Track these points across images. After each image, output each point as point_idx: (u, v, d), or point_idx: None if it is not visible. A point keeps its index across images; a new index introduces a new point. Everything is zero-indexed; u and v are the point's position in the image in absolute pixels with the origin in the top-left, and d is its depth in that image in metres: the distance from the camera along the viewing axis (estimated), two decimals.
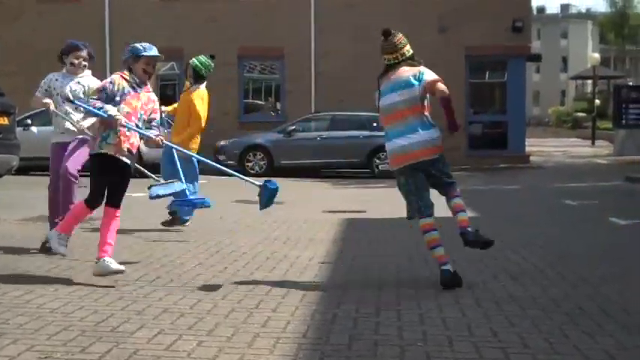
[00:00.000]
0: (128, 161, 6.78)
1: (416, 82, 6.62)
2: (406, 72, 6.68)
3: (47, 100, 8.28)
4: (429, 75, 6.66)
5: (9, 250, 8.14)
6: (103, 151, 6.68)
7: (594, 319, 5.52)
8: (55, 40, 26.29)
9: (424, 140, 6.66)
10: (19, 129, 13.43)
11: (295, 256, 8.10)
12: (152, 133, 6.99)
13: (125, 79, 6.99)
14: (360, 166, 21.93)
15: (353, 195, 15.89)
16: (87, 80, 8.66)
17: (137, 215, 11.03)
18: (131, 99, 6.88)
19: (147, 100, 7.07)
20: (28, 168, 18.45)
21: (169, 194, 8.52)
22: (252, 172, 21.51)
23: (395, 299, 6.11)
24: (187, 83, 10.50)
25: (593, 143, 38.48)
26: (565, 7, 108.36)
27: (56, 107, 8.26)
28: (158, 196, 8.31)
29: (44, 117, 20.71)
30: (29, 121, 20.00)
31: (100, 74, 25.05)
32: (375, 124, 21.45)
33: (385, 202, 13.92)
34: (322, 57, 26.32)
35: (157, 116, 7.20)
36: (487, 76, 28.19)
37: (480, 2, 26.01)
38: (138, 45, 7.35)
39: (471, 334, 5.10)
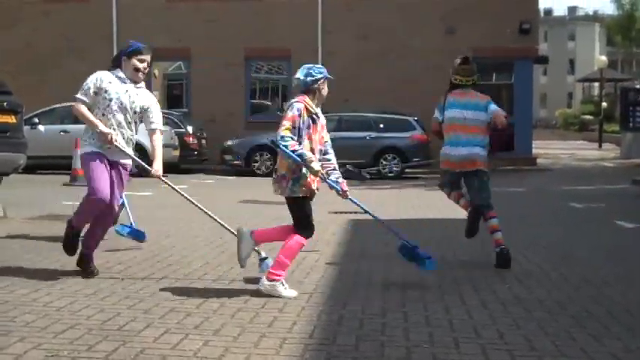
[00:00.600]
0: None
1: (484, 108, 7.91)
2: (476, 97, 7.90)
3: (108, 131, 6.67)
4: (494, 107, 7.98)
5: (16, 248, 8.16)
6: (300, 195, 6.31)
7: (601, 321, 5.51)
8: (61, 40, 26.58)
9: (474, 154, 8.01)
10: (26, 127, 13.44)
11: (301, 257, 8.09)
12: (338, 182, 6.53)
13: (307, 108, 6.20)
14: (367, 166, 21.91)
15: (359, 196, 15.82)
16: (143, 94, 6.96)
17: (142, 215, 11.04)
18: (312, 132, 6.25)
19: (321, 128, 6.37)
20: (35, 166, 18.51)
21: None
22: (258, 172, 21.53)
23: (401, 300, 6.11)
24: None
25: (600, 146, 38.41)
26: (572, 10, 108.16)
27: (107, 116, 6.77)
28: None
29: (51, 116, 20.81)
30: (36, 120, 20.04)
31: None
32: (381, 126, 21.47)
33: (391, 203, 13.92)
34: (328, 57, 26.30)
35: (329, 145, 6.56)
36: (494, 78, 28.12)
37: (487, 4, 25.99)
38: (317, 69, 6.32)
39: (478, 335, 5.10)
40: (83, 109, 6.75)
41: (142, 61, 6.82)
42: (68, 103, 21.40)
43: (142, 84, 6.96)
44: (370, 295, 6.26)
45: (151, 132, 7.02)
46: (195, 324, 5.22)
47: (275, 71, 27.89)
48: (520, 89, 26.66)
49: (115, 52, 26.47)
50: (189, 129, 22.25)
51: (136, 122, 6.96)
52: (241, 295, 6.14)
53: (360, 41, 25.95)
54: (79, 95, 6.81)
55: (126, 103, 6.80)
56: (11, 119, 11.32)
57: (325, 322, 5.38)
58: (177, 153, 20.92)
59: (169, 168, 21.06)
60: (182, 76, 27.78)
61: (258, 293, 6.22)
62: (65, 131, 19.89)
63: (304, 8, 26.28)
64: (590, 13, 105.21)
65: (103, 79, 6.78)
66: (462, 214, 12.61)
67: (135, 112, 6.87)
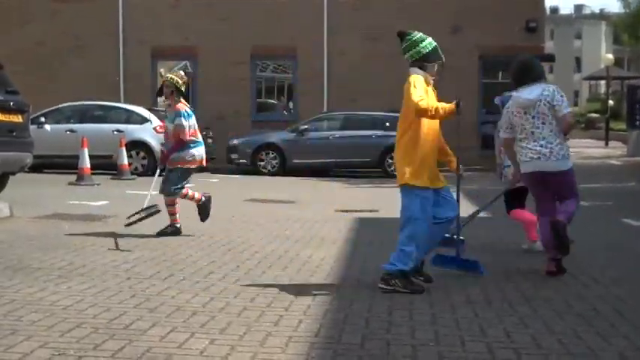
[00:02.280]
0: None
1: None
2: None
3: None
4: None
5: (22, 247, 8.18)
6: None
7: (607, 320, 5.50)
8: (68, 39, 26.60)
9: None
10: (32, 127, 13.47)
11: (307, 256, 8.11)
12: None
13: None
14: (373, 165, 21.92)
15: (365, 195, 15.88)
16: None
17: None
18: None
19: None
20: (41, 166, 18.53)
21: None
22: (264, 170, 21.54)
23: (407, 299, 6.10)
24: None
25: (606, 144, 38.33)
26: (579, 8, 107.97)
27: None
28: None
29: (58, 115, 20.84)
30: (43, 119, 20.07)
31: (113, 73, 25.14)
32: (387, 124, 21.44)
33: (397, 202, 13.90)
34: (335, 56, 26.31)
35: None
36: (500, 76, 28.08)
37: (494, 2, 25.94)
38: None
39: (484, 334, 5.09)
40: None
41: None
42: (75, 102, 21.52)
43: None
44: (376, 294, 6.25)
45: None
46: (202, 323, 5.23)
47: (281, 70, 27.89)
48: None
49: (121, 51, 26.64)
50: None
51: None
52: (247, 294, 6.15)
53: (367, 41, 25.92)
54: None
55: None
56: (18, 118, 11.35)
57: (331, 321, 5.38)
58: None
59: None
60: (188, 75, 27.77)
61: (264, 292, 6.22)
62: (71, 130, 19.92)
63: (310, 8, 26.26)
64: (597, 11, 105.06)
65: None
66: (466, 212, 12.61)
67: None
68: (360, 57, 25.70)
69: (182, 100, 9.38)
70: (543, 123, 7.12)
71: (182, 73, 9.85)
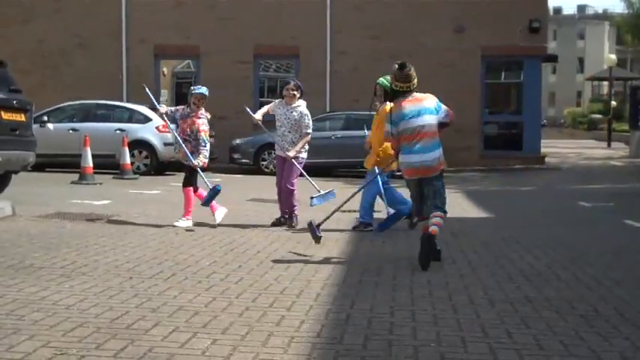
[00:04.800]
0: None
1: (436, 111, 7.82)
2: (426, 100, 7.84)
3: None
4: (442, 105, 7.94)
5: (25, 246, 8.18)
6: None
7: (610, 321, 5.50)
8: (71, 37, 26.62)
9: (435, 159, 7.75)
10: (35, 126, 13.48)
11: (309, 255, 8.11)
12: None
13: None
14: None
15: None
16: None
17: (151, 213, 11.07)
18: None
19: None
20: (44, 164, 18.54)
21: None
22: (266, 170, 21.53)
23: (409, 299, 6.11)
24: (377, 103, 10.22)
25: (609, 145, 38.30)
26: (582, 8, 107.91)
27: None
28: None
29: (60, 114, 20.85)
30: (45, 118, 20.07)
31: (116, 72, 25.21)
32: None
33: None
34: (337, 56, 26.31)
35: None
36: (503, 76, 28.09)
37: (497, 2, 25.92)
38: None
39: (486, 335, 5.09)
40: None
41: None
42: (77, 101, 21.52)
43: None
44: (378, 294, 6.26)
45: None
46: (204, 323, 5.23)
47: (283, 69, 27.89)
48: (529, 88, 26.59)
49: (124, 50, 26.65)
50: None
51: None
52: (249, 294, 6.15)
53: (370, 41, 25.91)
54: None
55: None
56: (21, 117, 11.36)
57: (333, 321, 5.38)
58: None
59: (178, 167, 21.11)
60: (190, 75, 27.79)
61: (266, 292, 6.23)
62: (74, 129, 19.92)
63: (313, 7, 26.26)
64: (600, 11, 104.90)
65: None
66: (468, 212, 12.62)
67: None
68: (363, 57, 25.68)
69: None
70: None
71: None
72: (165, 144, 18.96)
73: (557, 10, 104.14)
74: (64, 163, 19.50)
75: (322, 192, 10.28)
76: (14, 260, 7.33)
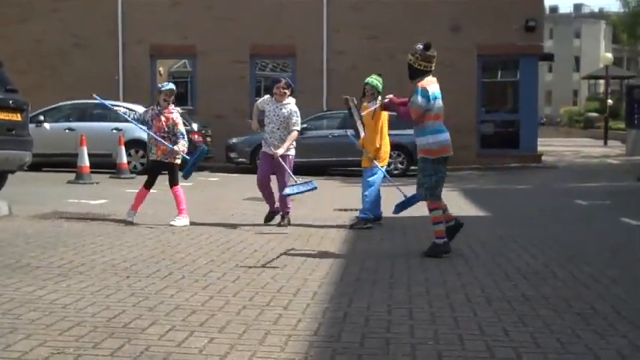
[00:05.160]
0: None
1: None
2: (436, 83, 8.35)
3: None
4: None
5: (22, 245, 8.18)
6: None
7: (606, 319, 5.50)
8: (68, 37, 26.59)
9: None
10: (31, 125, 13.47)
11: (307, 254, 8.11)
12: None
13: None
14: None
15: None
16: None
17: (148, 212, 11.06)
18: None
19: None
20: (40, 164, 18.53)
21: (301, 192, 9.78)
22: None
23: (407, 298, 6.11)
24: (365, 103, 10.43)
25: (605, 143, 38.35)
26: (578, 7, 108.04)
27: None
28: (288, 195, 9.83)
29: (57, 113, 20.83)
30: (42, 118, 20.06)
31: (112, 72, 25.16)
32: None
33: (395, 200, 13.88)
34: (334, 55, 26.31)
35: None
36: (499, 75, 28.11)
37: (493, 1, 25.95)
38: None
39: (483, 333, 5.09)
40: None
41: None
42: (73, 101, 21.49)
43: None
44: (375, 293, 6.26)
45: None
46: (201, 321, 5.23)
47: (280, 69, 27.88)
48: (525, 86, 26.62)
49: (120, 50, 26.62)
50: (195, 126, 22.23)
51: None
52: (246, 293, 6.15)
53: (367, 40, 25.93)
54: None
55: None
56: (17, 117, 11.35)
57: (330, 320, 5.38)
58: None
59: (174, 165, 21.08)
60: (187, 74, 27.78)
61: (263, 291, 6.23)
62: (71, 129, 19.91)
63: (310, 6, 26.26)
64: (596, 10, 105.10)
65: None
66: (465, 211, 12.62)
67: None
68: (360, 56, 25.70)
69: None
70: None
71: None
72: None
73: (554, 9, 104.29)
74: (61, 162, 19.50)
75: (299, 182, 10.03)
76: (11, 260, 7.33)
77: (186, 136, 10.43)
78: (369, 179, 10.50)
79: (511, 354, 4.63)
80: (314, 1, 26.36)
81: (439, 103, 8.20)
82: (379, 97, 10.32)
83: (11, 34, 26.53)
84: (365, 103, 10.44)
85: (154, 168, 10.62)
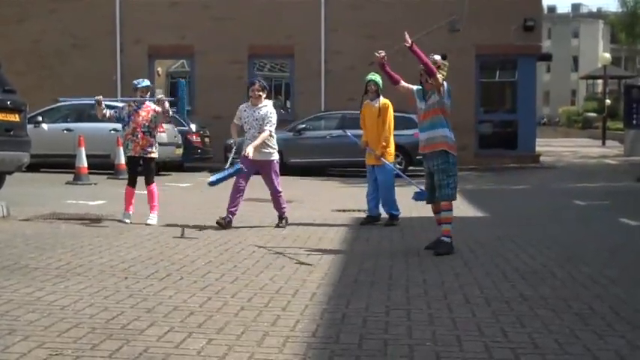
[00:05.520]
0: None
1: None
2: None
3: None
4: None
5: (19, 247, 8.17)
6: None
7: (605, 319, 5.50)
8: (66, 37, 26.58)
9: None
10: (29, 126, 13.46)
11: (305, 255, 8.11)
12: None
13: None
14: None
15: (362, 194, 15.85)
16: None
17: (146, 213, 11.06)
18: None
19: None
20: (38, 165, 18.52)
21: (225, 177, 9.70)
22: None
23: (405, 299, 6.11)
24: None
25: (603, 143, 38.35)
26: (576, 7, 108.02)
27: None
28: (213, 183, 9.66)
29: (55, 114, 20.81)
30: (40, 118, 20.04)
31: (110, 72, 25.15)
32: None
33: (399, 201, 13.89)
34: (332, 55, 26.31)
35: None
36: (497, 75, 28.12)
37: (491, 1, 25.95)
38: None
39: (481, 333, 5.09)
40: None
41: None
42: (71, 101, 21.45)
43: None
44: (373, 294, 6.26)
45: None
46: (199, 322, 5.23)
47: (278, 69, 27.89)
48: (523, 86, 26.64)
49: (118, 49, 26.61)
50: (193, 127, 22.23)
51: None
52: (244, 294, 6.15)
53: (365, 40, 25.90)
54: None
55: None
56: (15, 118, 11.34)
57: (328, 321, 5.38)
58: (180, 151, 20.89)
59: (173, 166, 21.09)
60: (185, 74, 27.79)
61: (261, 292, 6.23)
62: (68, 129, 19.89)
63: (308, 6, 26.26)
64: (594, 10, 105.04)
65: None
66: (463, 212, 12.62)
67: None
68: (358, 56, 25.63)
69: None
70: None
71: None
72: (160, 144, 18.95)
73: (552, 9, 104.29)
74: (59, 163, 19.48)
75: (225, 170, 9.94)
76: (9, 261, 7.32)
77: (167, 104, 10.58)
78: (382, 180, 10.64)
79: (509, 355, 4.63)
80: (312, 1, 26.35)
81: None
82: (381, 96, 10.64)
83: (9, 34, 26.53)
84: (367, 101, 10.54)
85: (133, 164, 10.68)
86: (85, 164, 16.74)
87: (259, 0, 26.46)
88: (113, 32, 26.70)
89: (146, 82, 10.75)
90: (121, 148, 18.29)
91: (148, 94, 10.68)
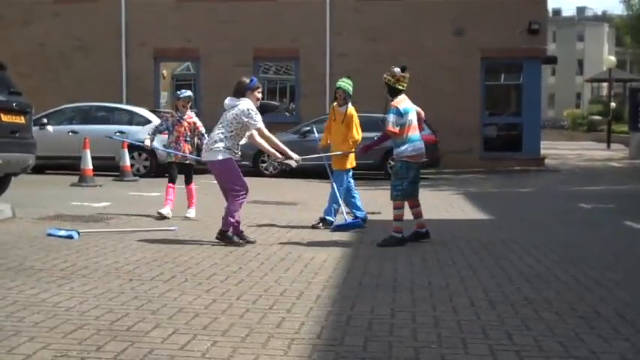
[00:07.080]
0: None
1: None
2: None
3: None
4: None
5: (25, 248, 8.18)
6: None
7: (610, 322, 5.50)
8: (71, 40, 26.63)
9: None
10: (35, 128, 13.47)
11: (309, 257, 8.11)
12: None
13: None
14: (374, 167, 21.85)
15: (367, 196, 15.87)
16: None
17: (151, 215, 11.07)
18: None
19: None
20: (44, 167, 18.55)
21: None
22: (266, 172, 21.54)
23: (410, 301, 6.11)
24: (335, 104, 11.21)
25: (608, 146, 38.29)
26: (581, 10, 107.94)
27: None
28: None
29: (60, 116, 20.85)
30: (45, 120, 20.06)
31: (115, 75, 25.23)
32: None
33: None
34: (337, 58, 26.29)
35: None
36: (502, 78, 28.08)
37: (496, 4, 25.93)
38: None
39: (486, 336, 5.09)
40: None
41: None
42: (77, 104, 21.51)
43: None
44: (378, 296, 6.26)
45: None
46: (204, 324, 5.23)
47: (283, 72, 27.90)
48: (529, 89, 26.60)
49: (124, 52, 26.63)
50: None
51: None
52: (249, 296, 6.15)
53: (369, 42, 25.92)
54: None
55: None
56: (20, 120, 11.36)
57: (333, 323, 5.38)
58: None
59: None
60: (190, 77, 27.81)
61: (266, 294, 6.23)
62: (74, 132, 19.91)
63: (313, 9, 26.26)
64: (599, 13, 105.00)
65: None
66: (468, 214, 12.61)
67: None
68: (362, 58, 25.68)
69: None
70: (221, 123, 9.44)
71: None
72: (165, 146, 18.97)
73: (557, 12, 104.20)
74: (64, 165, 19.50)
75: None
76: (14, 262, 7.34)
77: (206, 136, 10.80)
78: (338, 184, 11.13)
79: (514, 357, 4.63)
80: (316, 3, 26.36)
81: (411, 116, 9.32)
82: (349, 103, 11.25)
83: (14, 37, 26.56)
84: (335, 106, 11.22)
85: (174, 168, 11.43)
86: (91, 166, 16.75)
87: (264, 3, 26.47)
88: (118, 35, 26.72)
89: (188, 93, 11.45)
90: (126, 150, 18.35)
91: (189, 104, 11.39)
